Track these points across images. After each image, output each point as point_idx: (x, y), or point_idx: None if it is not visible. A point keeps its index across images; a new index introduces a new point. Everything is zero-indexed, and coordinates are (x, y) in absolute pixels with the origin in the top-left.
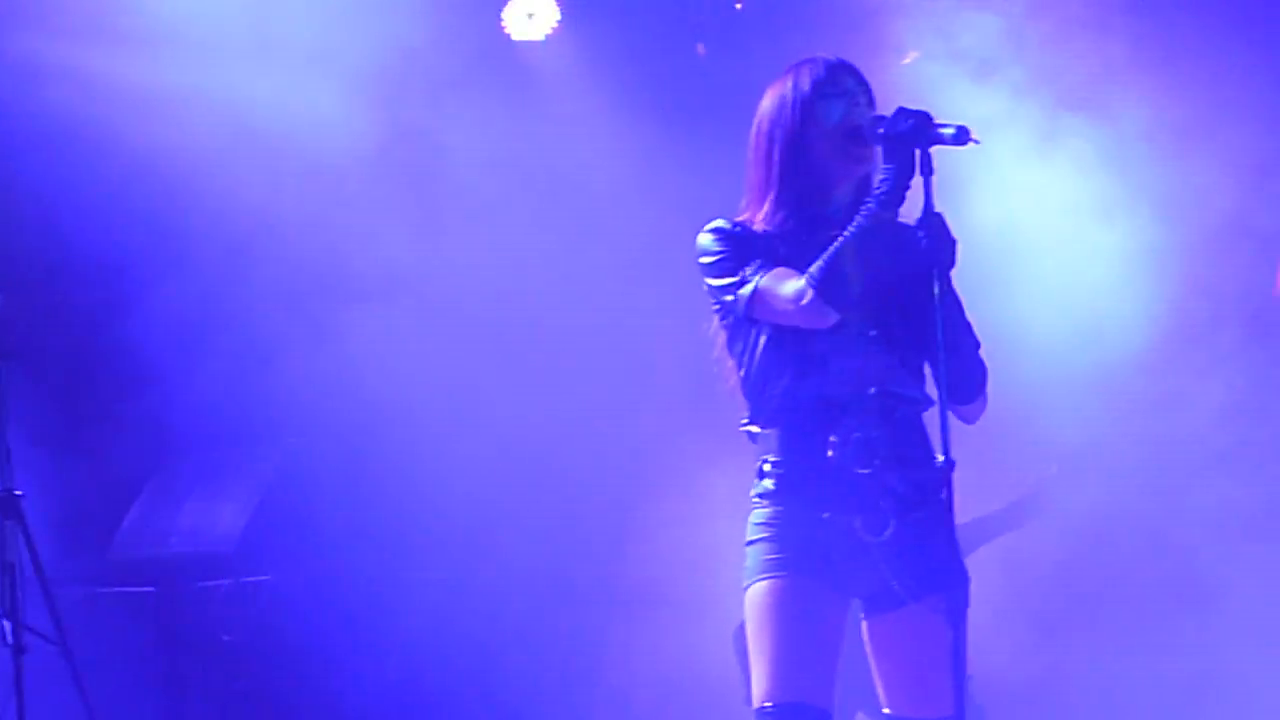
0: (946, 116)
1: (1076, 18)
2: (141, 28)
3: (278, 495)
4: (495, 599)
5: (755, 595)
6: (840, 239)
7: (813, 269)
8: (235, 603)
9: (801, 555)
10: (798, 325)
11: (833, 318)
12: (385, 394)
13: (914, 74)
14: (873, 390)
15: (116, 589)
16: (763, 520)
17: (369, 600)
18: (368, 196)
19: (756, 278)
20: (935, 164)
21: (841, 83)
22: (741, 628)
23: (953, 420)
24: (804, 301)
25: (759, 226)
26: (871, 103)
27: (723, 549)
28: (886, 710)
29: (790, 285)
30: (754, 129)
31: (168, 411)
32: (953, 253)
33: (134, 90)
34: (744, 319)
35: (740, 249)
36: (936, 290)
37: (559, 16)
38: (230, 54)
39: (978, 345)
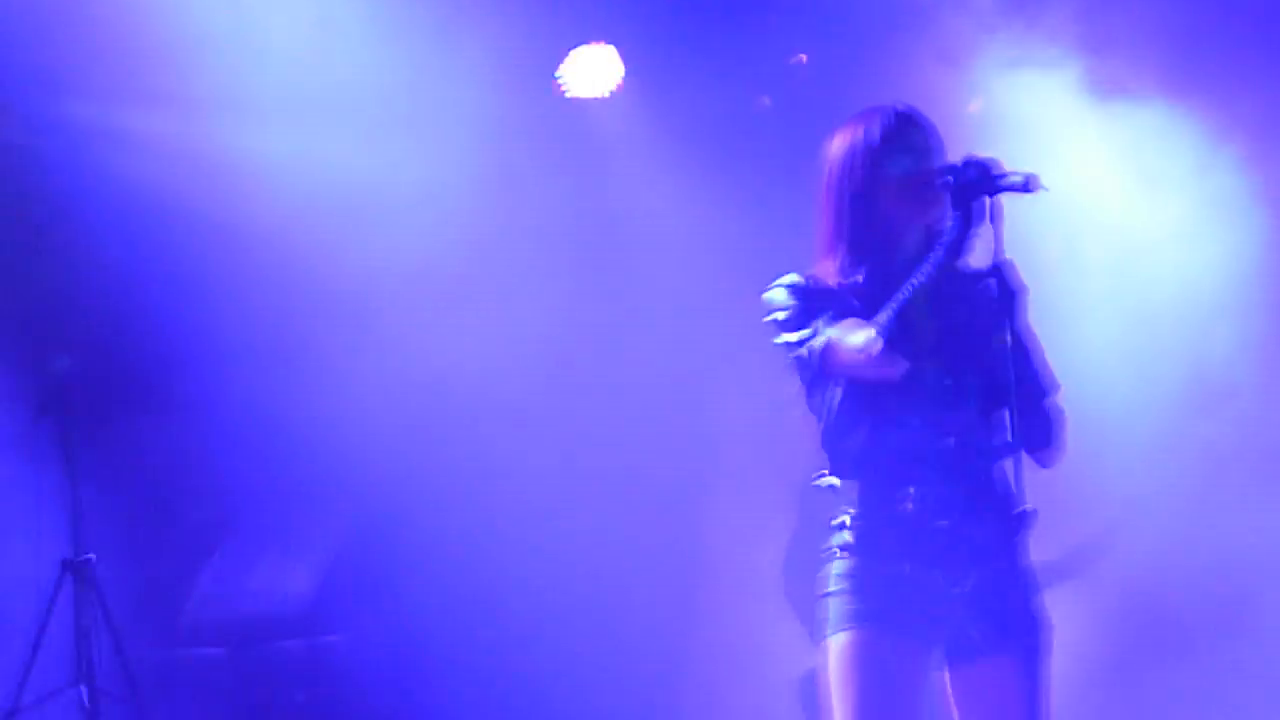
0: (1012, 160)
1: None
2: (206, 93)
3: (349, 555)
4: (567, 657)
5: (837, 647)
6: (907, 287)
7: (880, 317)
8: (308, 663)
9: (883, 608)
10: (869, 377)
11: (903, 367)
12: (454, 454)
13: (979, 118)
14: (951, 441)
15: (189, 651)
16: (842, 572)
17: (443, 660)
18: (435, 246)
19: (828, 330)
20: (1002, 212)
21: (908, 135)
22: (809, 676)
23: (1028, 464)
24: (874, 351)
25: (831, 280)
26: (938, 149)
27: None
28: None
29: (860, 335)
30: (823, 181)
31: (236, 472)
32: (1022, 300)
33: (196, 153)
34: (819, 373)
35: (811, 303)
36: (1007, 339)
37: (623, 73)
38: (299, 114)
39: (1053, 391)
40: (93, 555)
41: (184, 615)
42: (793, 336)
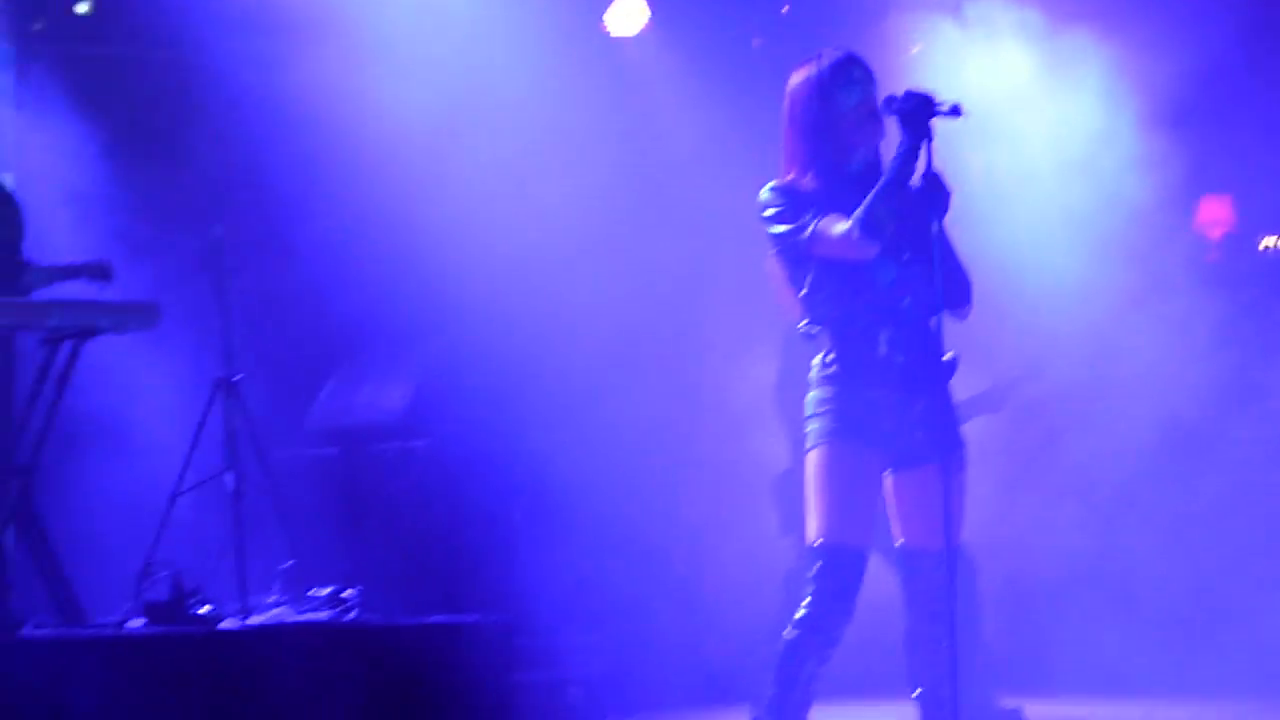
0: (945, 90)
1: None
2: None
3: (434, 379)
4: (608, 464)
5: (818, 457)
6: (875, 190)
7: (858, 214)
8: (401, 461)
9: (857, 425)
10: (850, 257)
11: (875, 250)
12: (519, 310)
13: (921, 57)
14: (906, 300)
15: (311, 451)
16: (826, 397)
17: (503, 459)
18: (499, 160)
19: (814, 223)
20: (936, 132)
21: (853, 73)
22: (783, 477)
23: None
24: (854, 238)
25: (801, 185)
26: (875, 83)
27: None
28: (901, 542)
29: (841, 226)
30: (786, 111)
31: (351, 310)
32: (949, 199)
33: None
34: (805, 255)
35: (794, 202)
36: (935, 228)
37: (649, 15)
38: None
39: (966, 267)
40: (240, 375)
41: (308, 422)
42: (783, 228)
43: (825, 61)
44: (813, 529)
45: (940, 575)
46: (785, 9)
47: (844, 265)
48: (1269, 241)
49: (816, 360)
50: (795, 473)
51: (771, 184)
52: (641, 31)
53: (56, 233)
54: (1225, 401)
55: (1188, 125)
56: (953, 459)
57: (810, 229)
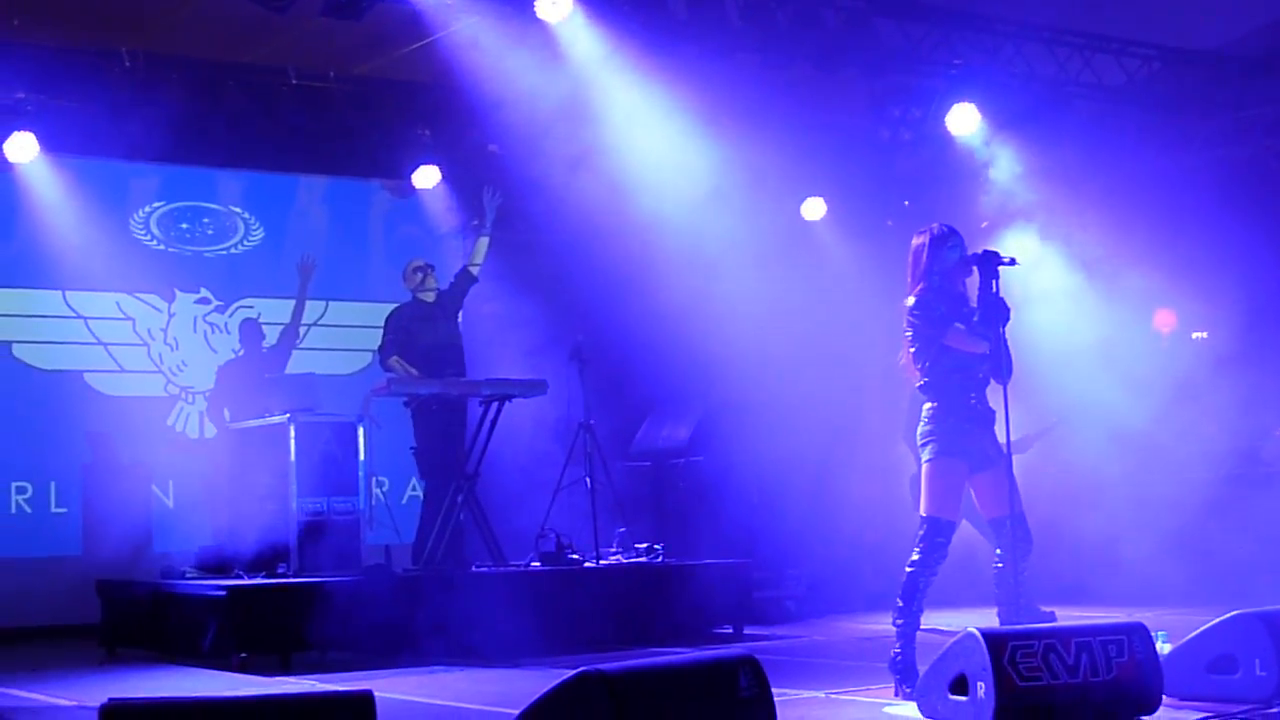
0: (1001, 249)
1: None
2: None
3: (705, 421)
4: (807, 467)
5: (932, 466)
6: (978, 315)
7: (971, 328)
8: (687, 470)
9: (955, 446)
10: (966, 349)
11: (984, 347)
12: (753, 379)
13: (988, 229)
14: (981, 374)
15: (634, 463)
16: (935, 429)
17: (744, 468)
18: (743, 286)
19: (949, 329)
20: (1002, 274)
21: (952, 238)
22: (914, 478)
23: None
24: (976, 340)
25: (926, 299)
26: (963, 242)
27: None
28: (987, 516)
29: (965, 332)
30: (912, 256)
31: (655, 377)
32: (1009, 314)
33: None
34: (931, 344)
35: (929, 310)
36: (1002, 330)
37: (827, 208)
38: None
39: (1012, 355)
40: (593, 420)
41: (632, 446)
42: (925, 325)
43: (937, 229)
44: (924, 507)
45: (1009, 531)
46: (906, 203)
47: (955, 352)
48: (1198, 335)
49: (927, 406)
50: (916, 474)
51: (912, 297)
52: (823, 217)
53: (486, 340)
54: (1181, 429)
55: (1147, 266)
56: (1008, 463)
57: (948, 332)
